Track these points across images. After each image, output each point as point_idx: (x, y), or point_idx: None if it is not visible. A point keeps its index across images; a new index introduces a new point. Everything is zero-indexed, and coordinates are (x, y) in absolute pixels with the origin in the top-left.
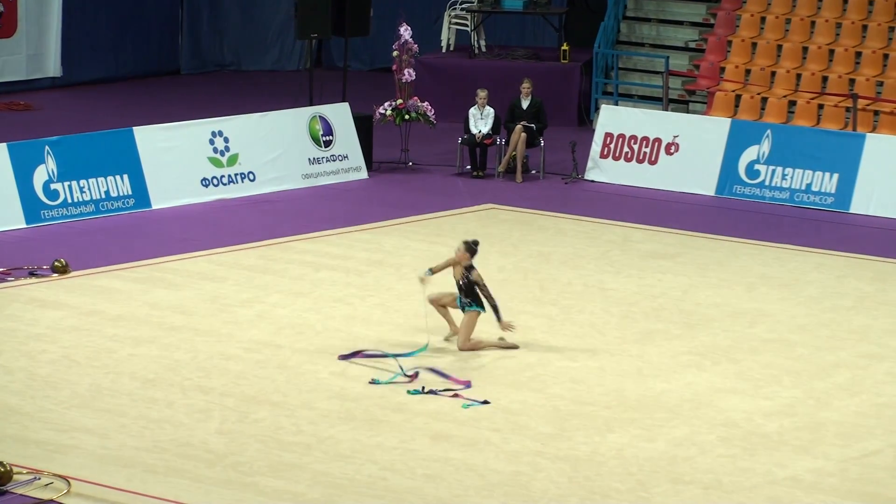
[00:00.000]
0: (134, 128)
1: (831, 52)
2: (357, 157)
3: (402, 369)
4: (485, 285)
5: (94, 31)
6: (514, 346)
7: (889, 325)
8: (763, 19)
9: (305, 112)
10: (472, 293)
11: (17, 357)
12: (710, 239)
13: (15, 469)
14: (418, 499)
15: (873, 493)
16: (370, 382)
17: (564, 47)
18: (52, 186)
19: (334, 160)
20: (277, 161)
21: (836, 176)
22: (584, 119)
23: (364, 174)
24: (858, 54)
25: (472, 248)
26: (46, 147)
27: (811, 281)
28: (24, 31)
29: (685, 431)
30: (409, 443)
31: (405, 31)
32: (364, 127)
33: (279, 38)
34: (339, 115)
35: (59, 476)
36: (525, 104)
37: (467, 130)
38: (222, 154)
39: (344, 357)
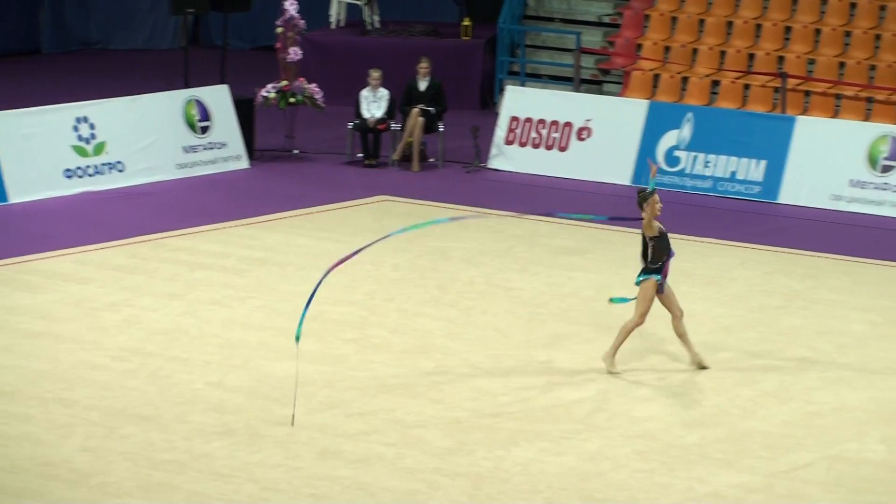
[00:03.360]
0: None
1: (758, 26)
2: (237, 144)
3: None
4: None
5: None
6: (704, 367)
7: (820, 326)
8: None
9: (180, 95)
10: (646, 252)
11: None
12: (625, 233)
13: None
14: None
15: None
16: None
17: (466, 23)
18: None
19: (212, 148)
20: (149, 149)
21: (763, 163)
22: (488, 102)
23: (245, 163)
24: (788, 29)
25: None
26: None
27: (736, 278)
28: None
29: (597, 444)
30: (293, 460)
31: (290, 6)
32: (245, 111)
33: (151, 14)
34: (218, 98)
35: None
36: (423, 86)
37: (359, 115)
38: (88, 142)
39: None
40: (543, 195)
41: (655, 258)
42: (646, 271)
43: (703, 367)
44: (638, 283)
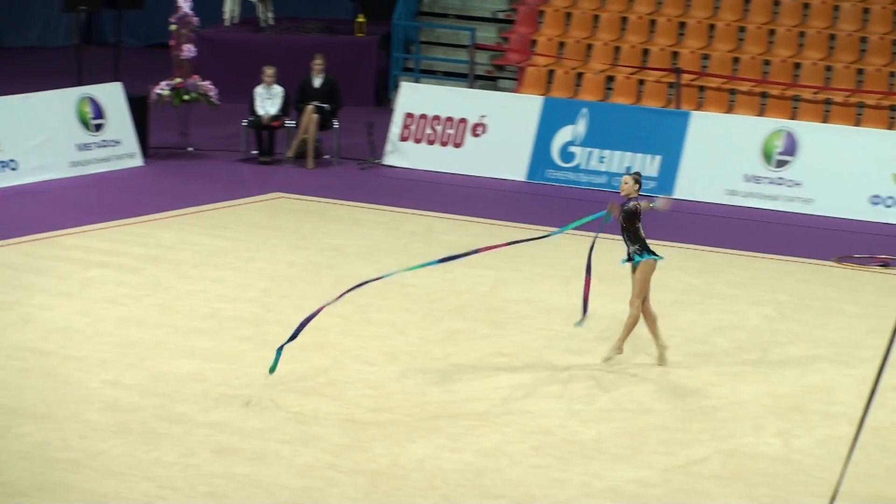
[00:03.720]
0: None
1: (652, 22)
2: (131, 142)
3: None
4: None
5: None
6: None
7: (717, 322)
8: None
9: (73, 93)
10: (635, 236)
11: None
12: (521, 229)
13: None
14: None
15: None
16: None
17: (360, 19)
18: None
19: (106, 146)
20: (42, 148)
21: (658, 158)
22: (383, 98)
23: (139, 161)
24: (682, 25)
25: (638, 178)
26: None
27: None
28: None
29: (494, 440)
30: (189, 457)
31: (184, 3)
32: (139, 109)
33: (43, 11)
34: (111, 96)
35: None
36: (317, 82)
37: (253, 112)
38: None
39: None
40: (438, 191)
41: (645, 239)
42: (649, 251)
43: (609, 359)
44: (636, 262)
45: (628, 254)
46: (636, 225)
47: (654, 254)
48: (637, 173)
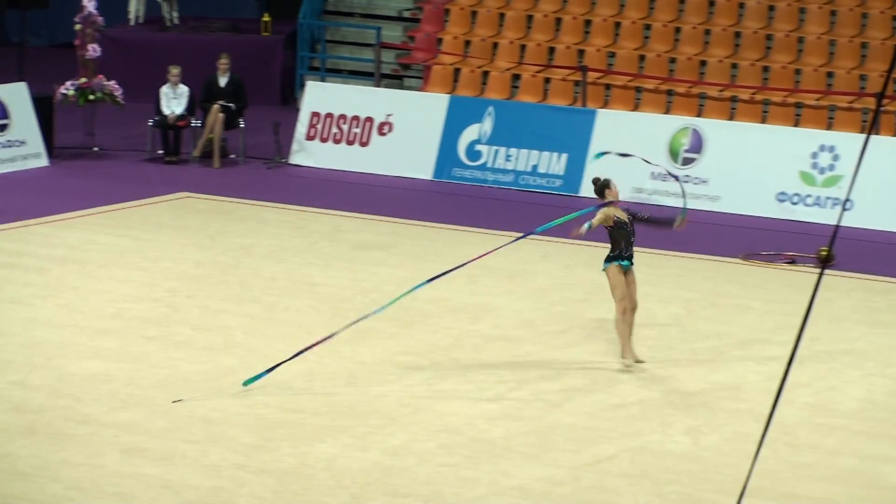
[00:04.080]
0: None
1: (558, 20)
2: (36, 142)
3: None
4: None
5: None
6: (639, 361)
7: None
8: None
9: None
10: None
11: None
12: (427, 227)
13: None
14: None
15: (608, 502)
16: None
17: (266, 18)
18: None
19: (10, 146)
20: None
21: (564, 156)
22: (289, 97)
23: (44, 161)
24: (588, 23)
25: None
26: None
27: (539, 271)
28: None
29: (402, 439)
30: (96, 458)
31: (89, 3)
32: (44, 109)
33: None
34: (16, 95)
35: None
36: (223, 82)
37: (159, 111)
38: None
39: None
40: (345, 190)
41: (613, 245)
42: (606, 259)
43: (638, 362)
44: (603, 271)
45: (629, 255)
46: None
47: (616, 261)
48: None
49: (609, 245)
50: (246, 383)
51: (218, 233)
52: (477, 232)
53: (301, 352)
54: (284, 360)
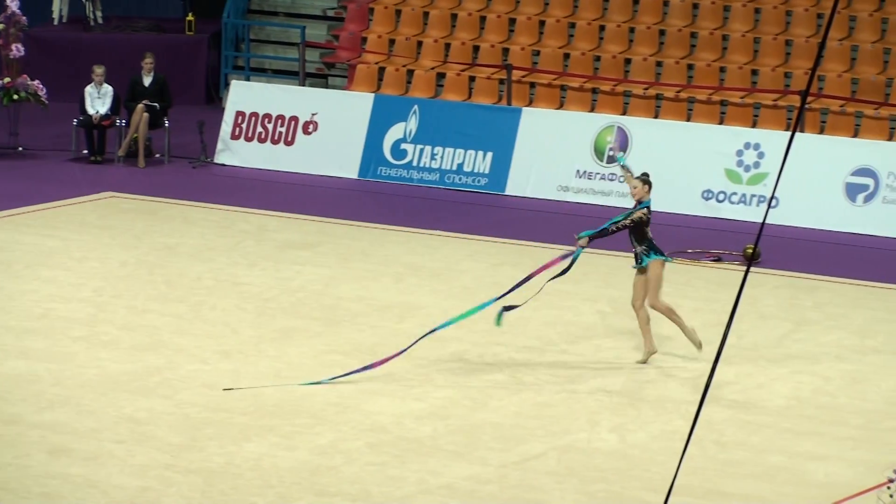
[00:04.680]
0: None
1: (483, 18)
2: None
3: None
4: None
5: None
6: (699, 345)
7: (550, 317)
8: None
9: None
10: (641, 236)
11: None
12: (353, 226)
13: None
14: None
15: (535, 500)
16: None
17: (190, 18)
18: None
19: None
20: None
21: (490, 155)
22: (213, 97)
23: None
24: (512, 21)
25: (646, 179)
26: None
27: (465, 270)
28: None
29: (329, 438)
30: (23, 458)
31: (12, 2)
32: None
33: None
34: None
35: None
36: (147, 81)
37: (83, 111)
38: None
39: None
40: (270, 190)
41: (640, 238)
42: (646, 253)
43: (652, 353)
44: (644, 264)
45: (636, 255)
46: (643, 227)
47: (661, 253)
48: (646, 174)
49: (645, 239)
50: (305, 384)
51: (143, 232)
52: (403, 231)
53: (369, 367)
54: (352, 371)
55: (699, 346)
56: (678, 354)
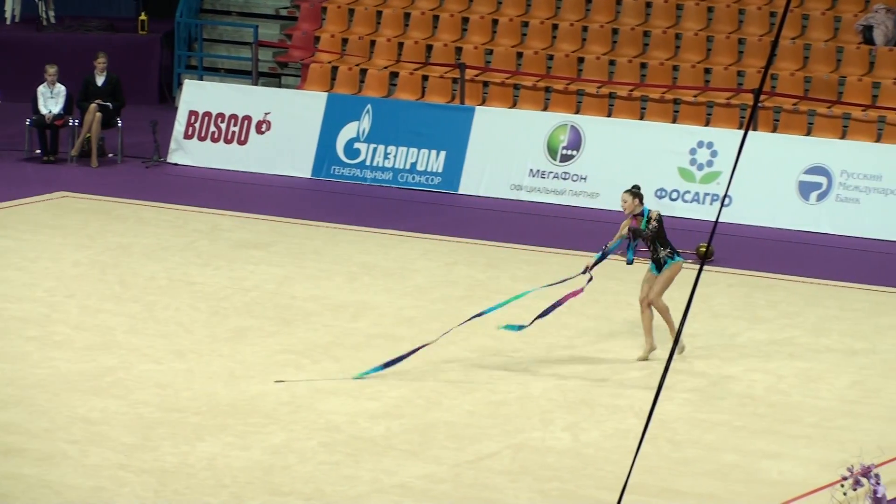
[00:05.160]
0: None
1: (436, 18)
2: None
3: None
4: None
5: None
6: (682, 349)
7: (504, 315)
8: None
9: None
10: (663, 241)
11: None
12: (306, 226)
13: None
14: None
15: (489, 499)
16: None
17: (143, 17)
18: None
19: None
20: None
21: (443, 154)
22: (166, 96)
23: None
24: (465, 20)
25: (636, 192)
26: None
27: (418, 269)
28: None
29: (283, 438)
30: None
31: None
32: None
33: None
34: None
35: None
36: (100, 81)
37: (36, 111)
38: None
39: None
40: (224, 189)
41: (664, 243)
42: (671, 256)
43: (653, 349)
44: (668, 265)
45: (658, 260)
46: (663, 232)
47: (680, 255)
48: (636, 187)
49: (667, 244)
50: (358, 377)
51: (97, 232)
52: (356, 230)
53: (419, 348)
54: (403, 354)
55: (682, 350)
56: (629, 353)
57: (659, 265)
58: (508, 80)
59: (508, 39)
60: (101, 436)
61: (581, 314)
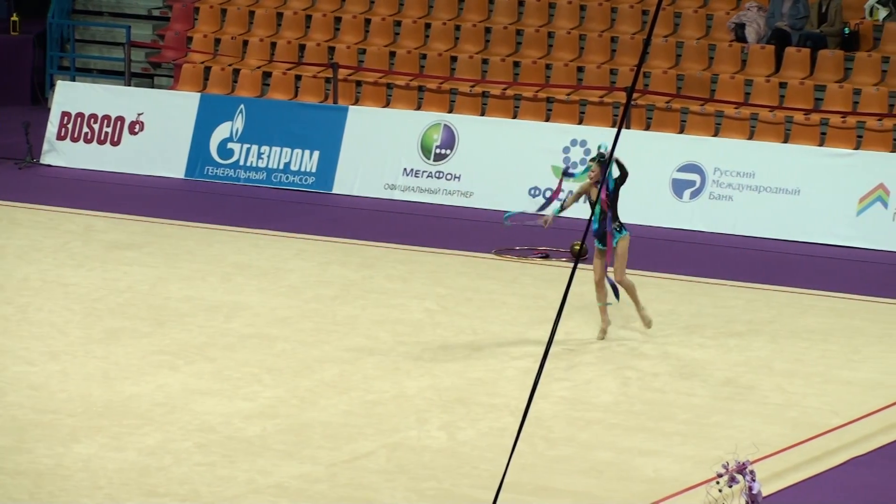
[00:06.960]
0: None
1: (308, 17)
2: None
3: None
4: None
5: None
6: (649, 323)
7: (377, 316)
8: None
9: None
10: (616, 215)
11: None
12: (180, 226)
13: None
14: None
15: (365, 499)
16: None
17: (14, 18)
18: None
19: None
20: None
21: (316, 153)
22: (39, 97)
23: None
24: (338, 20)
25: (601, 157)
26: None
27: (292, 269)
28: None
29: (158, 439)
30: None
31: None
32: None
33: None
34: None
35: None
36: None
37: None
38: None
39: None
40: (97, 190)
41: (615, 216)
42: (619, 230)
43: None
44: (615, 244)
45: (603, 234)
46: (616, 203)
47: (626, 229)
48: (600, 155)
49: (617, 217)
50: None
51: None
52: (230, 230)
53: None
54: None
55: (650, 324)
56: (506, 352)
57: (603, 238)
58: (381, 80)
59: (381, 39)
60: None
61: (455, 313)
